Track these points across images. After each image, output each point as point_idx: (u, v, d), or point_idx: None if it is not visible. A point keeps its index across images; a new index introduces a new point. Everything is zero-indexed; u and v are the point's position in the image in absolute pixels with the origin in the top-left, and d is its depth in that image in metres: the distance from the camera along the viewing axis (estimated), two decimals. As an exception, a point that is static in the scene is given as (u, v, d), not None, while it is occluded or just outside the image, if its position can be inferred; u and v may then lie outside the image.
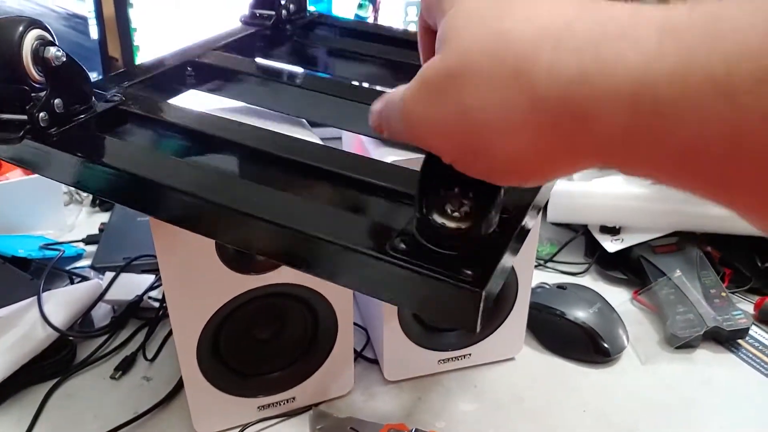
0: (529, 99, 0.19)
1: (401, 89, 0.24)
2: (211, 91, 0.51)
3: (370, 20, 1.01)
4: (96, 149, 0.37)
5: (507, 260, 0.28)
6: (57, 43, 0.37)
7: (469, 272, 0.26)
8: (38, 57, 0.36)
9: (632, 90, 0.17)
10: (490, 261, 0.26)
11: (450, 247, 0.27)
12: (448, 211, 0.26)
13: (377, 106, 0.26)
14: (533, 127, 0.19)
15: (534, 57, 0.19)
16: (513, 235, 0.29)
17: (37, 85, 0.37)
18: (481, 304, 0.25)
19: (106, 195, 0.37)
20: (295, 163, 0.37)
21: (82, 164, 0.36)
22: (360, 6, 1.00)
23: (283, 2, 0.58)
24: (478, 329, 0.26)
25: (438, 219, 0.26)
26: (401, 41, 0.59)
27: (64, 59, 0.37)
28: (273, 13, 0.57)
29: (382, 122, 0.25)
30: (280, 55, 0.58)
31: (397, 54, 0.56)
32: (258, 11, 0.58)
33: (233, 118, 0.42)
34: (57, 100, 0.38)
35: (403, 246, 0.27)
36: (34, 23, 0.36)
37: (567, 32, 0.19)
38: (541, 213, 0.55)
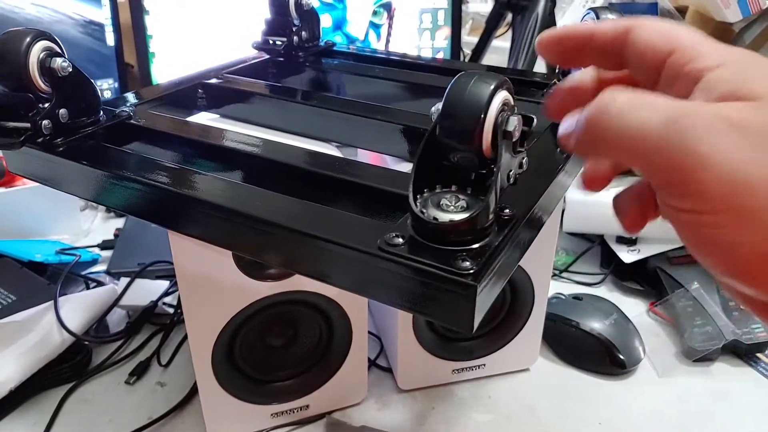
0: None
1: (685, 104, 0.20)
2: (224, 113, 0.52)
3: (385, 28, 1.02)
4: (102, 159, 0.37)
5: (508, 259, 0.28)
6: (65, 55, 0.38)
7: (464, 265, 0.25)
8: (45, 67, 0.37)
9: None
10: (487, 256, 0.26)
11: (446, 242, 0.26)
12: (444, 206, 0.26)
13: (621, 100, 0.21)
14: None
15: None
16: (514, 233, 0.28)
17: (43, 95, 0.38)
18: (477, 299, 0.24)
19: (113, 204, 0.37)
20: (291, 167, 0.37)
21: (88, 173, 0.37)
22: (374, 13, 1.01)
23: (295, 29, 0.58)
24: (474, 328, 0.25)
25: (433, 213, 0.25)
26: (415, 66, 0.59)
27: (70, 70, 0.38)
28: (285, 39, 0.58)
29: (630, 117, 0.20)
30: (292, 81, 0.59)
31: (411, 76, 0.56)
32: (270, 38, 0.58)
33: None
34: (62, 110, 0.38)
35: (397, 241, 0.26)
36: (41, 35, 0.38)
37: None
38: (559, 221, 0.55)
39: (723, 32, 1.14)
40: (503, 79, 0.24)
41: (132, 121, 0.42)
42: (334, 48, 0.62)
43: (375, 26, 1.02)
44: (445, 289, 0.25)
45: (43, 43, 0.37)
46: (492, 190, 0.25)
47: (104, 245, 0.76)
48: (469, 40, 1.21)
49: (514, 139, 0.25)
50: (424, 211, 0.25)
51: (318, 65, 0.59)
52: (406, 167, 0.44)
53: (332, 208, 0.31)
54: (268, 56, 0.59)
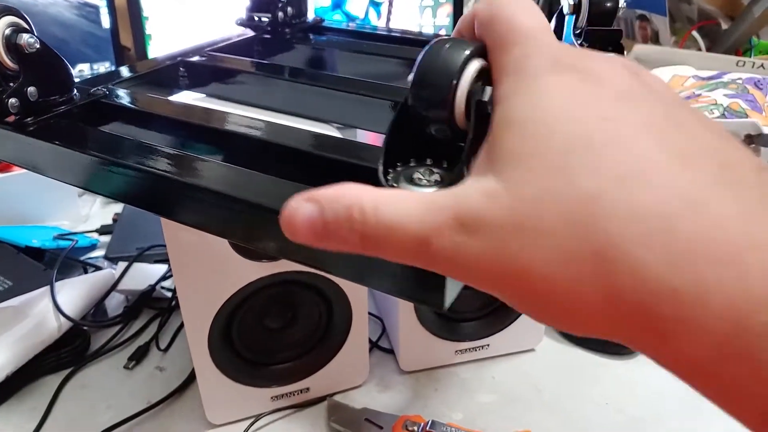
0: (604, 290, 0.16)
1: (429, 210, 0.19)
2: (207, 92, 0.49)
3: (385, 6, 1.00)
4: (75, 138, 0.36)
5: None
6: (33, 31, 0.37)
7: None
8: (11, 44, 0.36)
9: (727, 333, 0.15)
10: None
11: None
12: (416, 180, 0.24)
13: (370, 220, 0.19)
14: (601, 313, 0.17)
15: (620, 246, 0.16)
16: None
17: (10, 73, 0.36)
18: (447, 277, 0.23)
19: (86, 185, 0.36)
20: (274, 145, 0.34)
21: (60, 153, 0.35)
22: (374, -7, 0.99)
23: (281, 5, 0.56)
24: (446, 306, 0.24)
25: (404, 188, 0.24)
26: (408, 41, 0.57)
27: (38, 46, 0.36)
28: (270, 15, 0.56)
29: (382, 241, 0.19)
30: (279, 59, 0.56)
31: (404, 52, 0.53)
32: (255, 14, 0.56)
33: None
34: (31, 88, 0.37)
35: None
36: (7, 10, 0.36)
37: (666, 231, 0.15)
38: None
39: (732, 5, 1.12)
40: (481, 45, 0.23)
41: (107, 100, 0.40)
42: (323, 24, 0.60)
43: (375, 4, 1.00)
44: (415, 270, 0.24)
45: (8, 19, 0.36)
46: (462, 163, 0.23)
47: (102, 230, 0.76)
48: (472, 17, 1.19)
49: (490, 111, 0.23)
50: (395, 185, 0.24)
51: (306, 42, 0.57)
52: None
53: (292, 183, 0.29)
54: (253, 33, 0.57)
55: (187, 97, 0.49)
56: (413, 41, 0.58)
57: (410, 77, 0.24)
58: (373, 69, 0.53)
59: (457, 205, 0.18)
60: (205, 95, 0.49)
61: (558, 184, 0.17)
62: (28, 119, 0.36)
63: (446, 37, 0.23)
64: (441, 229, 0.18)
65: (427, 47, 0.23)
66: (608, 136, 0.17)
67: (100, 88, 0.41)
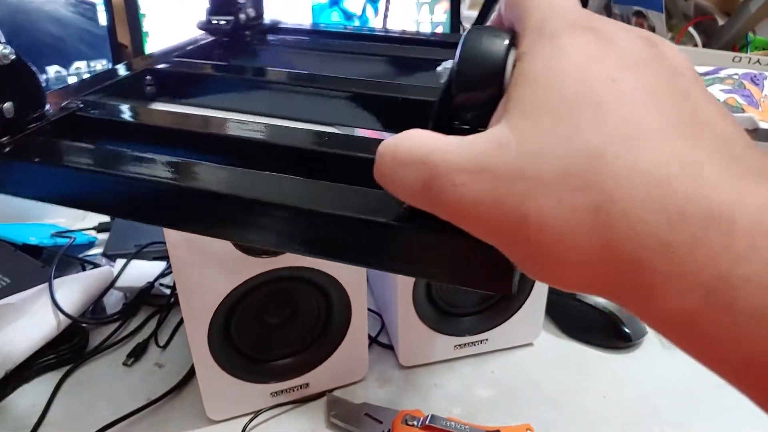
0: (600, 243, 0.17)
1: (438, 149, 0.20)
2: (178, 100, 0.46)
3: (382, 3, 1.00)
4: (58, 154, 0.32)
5: None
6: (4, 42, 0.33)
7: None
8: None
9: (711, 286, 0.16)
10: None
11: None
12: None
13: (387, 156, 0.21)
14: (593, 267, 0.17)
15: (620, 203, 0.16)
16: None
17: None
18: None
19: (77, 204, 0.32)
20: (282, 147, 0.32)
21: (44, 173, 0.32)
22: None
23: (240, 7, 0.55)
24: (514, 290, 0.24)
25: None
26: (371, 38, 0.55)
27: (13, 57, 0.32)
28: (231, 18, 0.53)
29: (394, 177, 0.21)
30: (243, 61, 0.54)
31: (373, 49, 0.51)
32: (214, 18, 0.54)
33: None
34: (7, 104, 0.33)
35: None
36: None
37: (665, 191, 0.16)
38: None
39: (728, 1, 1.12)
40: (514, 32, 0.23)
41: (83, 113, 0.37)
42: (280, 26, 0.57)
43: (372, 1, 1.00)
44: (478, 255, 0.23)
45: None
46: None
47: (100, 228, 0.75)
48: (469, 14, 1.19)
49: None
50: None
51: (267, 44, 0.55)
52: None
53: (334, 186, 0.27)
54: (213, 36, 0.54)
55: (163, 106, 0.47)
56: (376, 38, 0.55)
57: (441, 68, 0.24)
58: (348, 67, 0.52)
59: (467, 149, 0.19)
60: (174, 102, 0.47)
61: (564, 138, 0.17)
62: (4, 139, 0.33)
63: (480, 26, 0.23)
64: (443, 170, 0.19)
65: (465, 36, 0.23)
66: (616, 97, 0.17)
67: (72, 100, 0.38)
